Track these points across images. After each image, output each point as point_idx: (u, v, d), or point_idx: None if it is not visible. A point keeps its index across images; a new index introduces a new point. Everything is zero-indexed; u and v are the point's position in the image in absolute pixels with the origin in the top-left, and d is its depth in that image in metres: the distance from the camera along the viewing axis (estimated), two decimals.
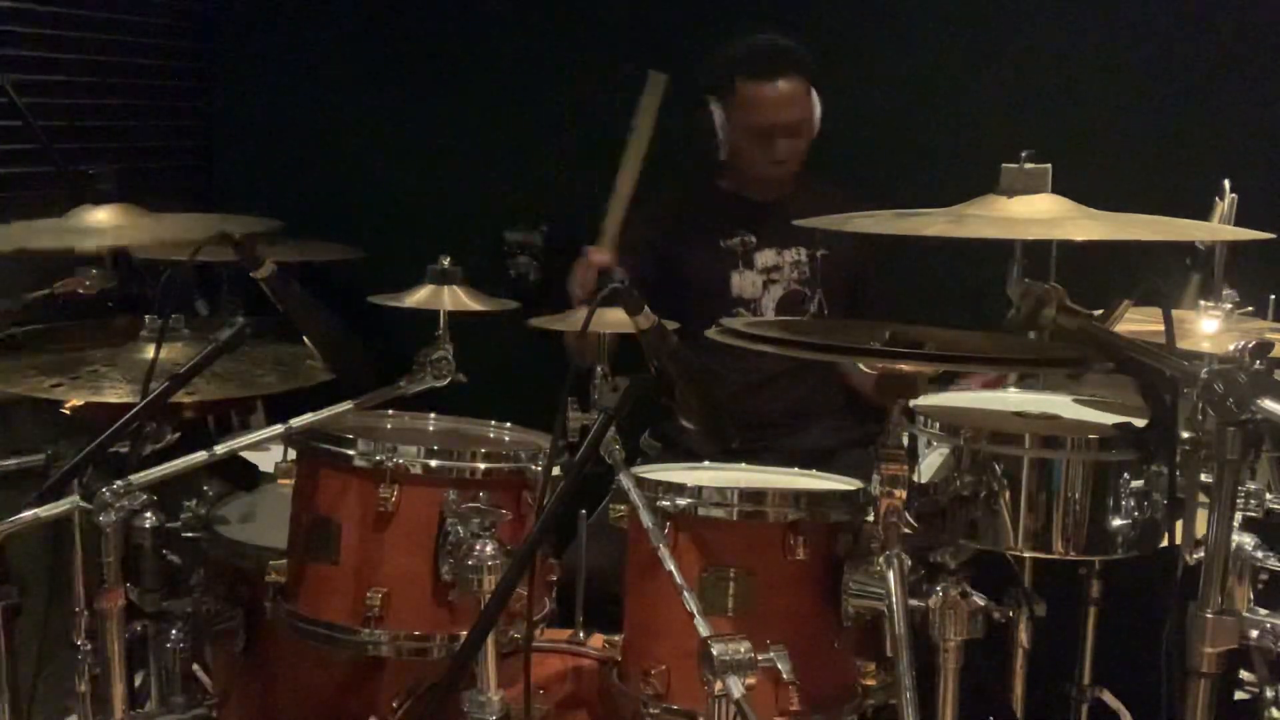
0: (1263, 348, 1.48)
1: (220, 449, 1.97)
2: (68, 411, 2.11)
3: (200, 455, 1.95)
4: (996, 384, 2.20)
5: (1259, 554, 1.75)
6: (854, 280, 3.00)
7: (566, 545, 2.25)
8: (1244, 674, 1.92)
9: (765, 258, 2.95)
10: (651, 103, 2.63)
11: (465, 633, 1.77)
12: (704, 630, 1.63)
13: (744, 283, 2.94)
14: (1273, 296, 2.22)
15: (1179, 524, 1.69)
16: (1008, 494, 1.78)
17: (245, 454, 2.17)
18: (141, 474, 1.86)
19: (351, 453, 1.96)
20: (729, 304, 2.92)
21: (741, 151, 2.90)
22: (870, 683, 1.89)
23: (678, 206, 3.02)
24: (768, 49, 2.90)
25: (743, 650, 1.58)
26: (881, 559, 1.75)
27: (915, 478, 1.83)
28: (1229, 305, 2.18)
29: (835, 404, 2.99)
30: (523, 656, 1.85)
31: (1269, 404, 1.44)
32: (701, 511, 1.86)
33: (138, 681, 2.05)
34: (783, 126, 2.86)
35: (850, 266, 2.98)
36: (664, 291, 2.64)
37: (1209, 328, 2.15)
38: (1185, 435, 1.69)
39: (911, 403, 1.87)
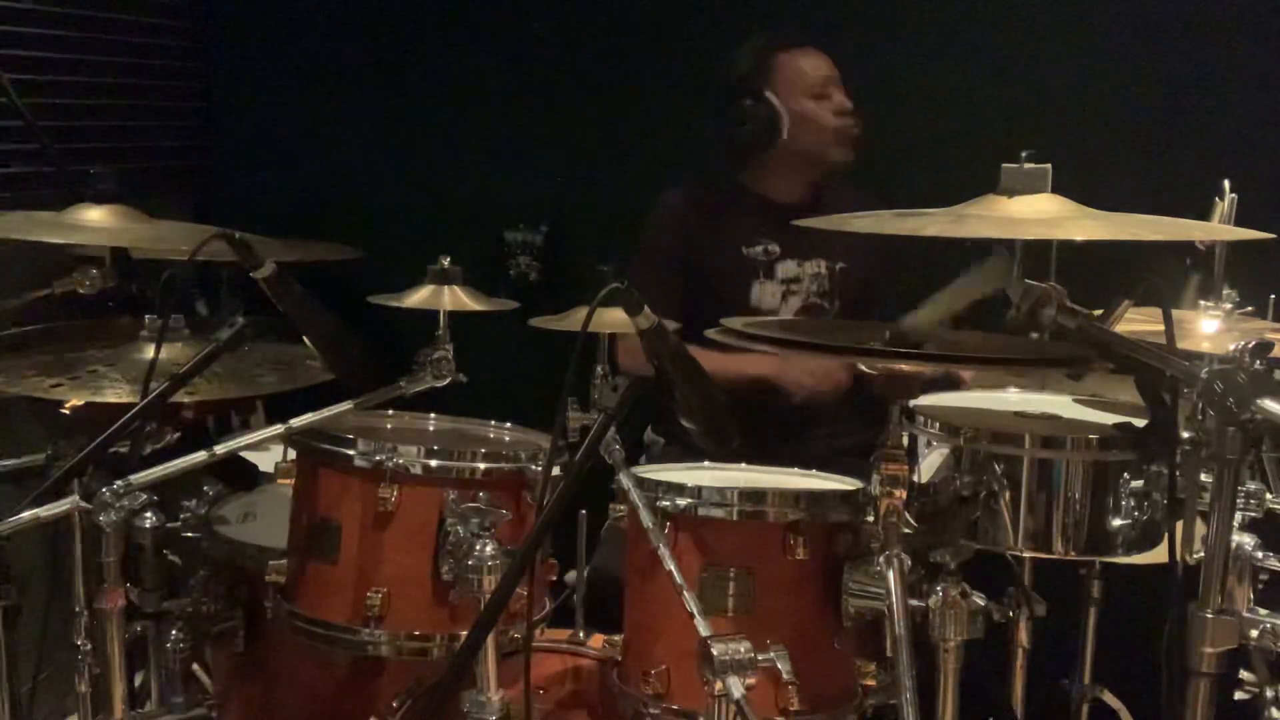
0: (1263, 348, 1.48)
1: (220, 449, 1.97)
2: (68, 411, 2.11)
3: (200, 455, 1.95)
4: None
5: (1259, 554, 1.75)
6: (869, 294, 2.99)
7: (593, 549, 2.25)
8: (1244, 674, 1.92)
9: (786, 269, 2.94)
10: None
11: (465, 633, 1.77)
12: (704, 630, 1.63)
13: (764, 293, 2.93)
14: (1273, 296, 2.22)
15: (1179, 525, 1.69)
16: (1008, 494, 1.78)
17: (245, 454, 2.17)
18: (141, 474, 1.86)
19: (351, 453, 1.96)
20: (747, 314, 2.87)
21: (804, 118, 2.90)
22: (870, 683, 1.89)
23: (702, 209, 2.99)
24: (793, 26, 2.96)
25: (743, 650, 1.58)
26: (881, 559, 1.75)
27: (915, 478, 1.83)
28: (1229, 305, 2.18)
29: (837, 408, 2.98)
30: (523, 656, 1.85)
31: (1269, 404, 1.44)
32: (701, 511, 1.86)
33: (138, 681, 2.05)
34: (835, 79, 2.92)
35: (866, 280, 2.98)
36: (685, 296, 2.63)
37: (1209, 328, 2.15)
38: (1185, 435, 1.69)
39: (911, 403, 1.87)
